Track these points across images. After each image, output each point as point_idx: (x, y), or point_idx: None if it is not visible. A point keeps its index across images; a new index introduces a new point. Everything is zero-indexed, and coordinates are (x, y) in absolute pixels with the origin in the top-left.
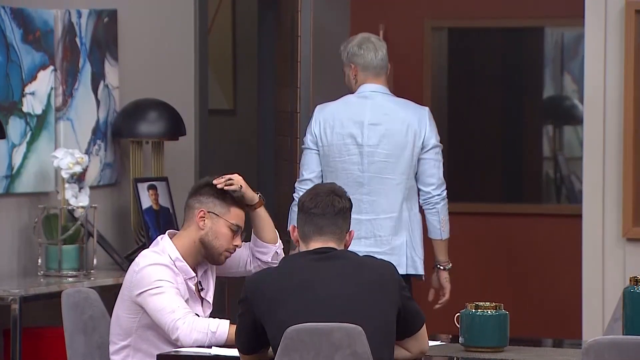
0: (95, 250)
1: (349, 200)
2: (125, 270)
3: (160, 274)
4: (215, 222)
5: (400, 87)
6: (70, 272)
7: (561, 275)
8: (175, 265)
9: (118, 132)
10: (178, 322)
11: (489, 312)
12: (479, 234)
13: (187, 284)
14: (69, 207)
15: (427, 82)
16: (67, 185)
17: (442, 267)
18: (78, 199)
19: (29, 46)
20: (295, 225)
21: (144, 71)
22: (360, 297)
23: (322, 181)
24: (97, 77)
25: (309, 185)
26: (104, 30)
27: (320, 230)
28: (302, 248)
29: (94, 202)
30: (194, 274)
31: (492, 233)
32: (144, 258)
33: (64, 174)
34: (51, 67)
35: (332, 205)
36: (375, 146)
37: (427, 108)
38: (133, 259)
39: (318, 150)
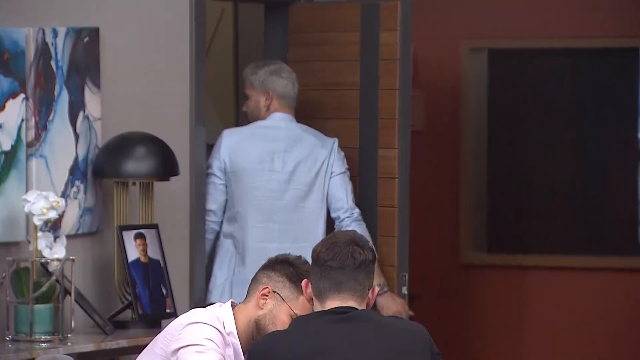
0: (73, 310)
1: (372, 251)
2: (108, 333)
3: (211, 335)
4: (277, 306)
5: (433, 119)
6: (43, 337)
7: None
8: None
9: (100, 171)
10: None
11: None
12: (544, 290)
13: None
14: (42, 260)
15: (464, 113)
16: (40, 233)
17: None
18: (53, 250)
19: None
20: (309, 281)
21: (131, 100)
22: None
23: (224, 212)
24: (76, 106)
25: (212, 217)
26: (84, 52)
27: (339, 287)
28: (317, 307)
29: (72, 253)
30: (242, 358)
31: (565, 289)
32: (197, 314)
33: (37, 221)
34: (22, 95)
35: (352, 257)
36: (291, 173)
37: (335, 138)
38: (117, 321)
39: (223, 179)
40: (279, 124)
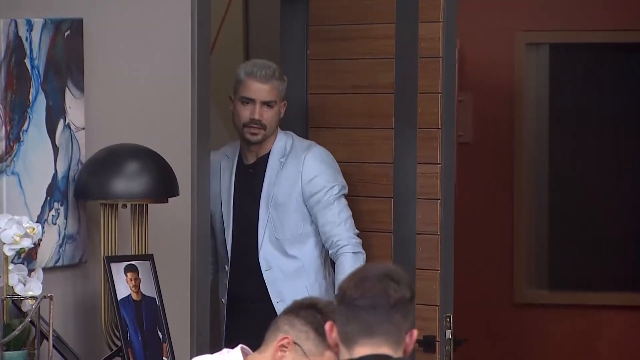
0: (51, 357)
1: (410, 287)
2: None
3: None
4: None
5: (483, 128)
6: None
7: None
8: None
9: (84, 191)
10: None
11: None
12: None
13: None
14: (15, 298)
15: (520, 121)
16: (11, 266)
17: None
18: (27, 286)
19: None
20: (334, 323)
21: (121, 106)
22: None
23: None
24: (55, 114)
25: None
26: (64, 49)
27: (370, 330)
28: (344, 355)
29: (50, 290)
30: None
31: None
32: None
33: (8, 251)
34: None
35: (387, 295)
36: None
37: None
38: None
39: None
40: None
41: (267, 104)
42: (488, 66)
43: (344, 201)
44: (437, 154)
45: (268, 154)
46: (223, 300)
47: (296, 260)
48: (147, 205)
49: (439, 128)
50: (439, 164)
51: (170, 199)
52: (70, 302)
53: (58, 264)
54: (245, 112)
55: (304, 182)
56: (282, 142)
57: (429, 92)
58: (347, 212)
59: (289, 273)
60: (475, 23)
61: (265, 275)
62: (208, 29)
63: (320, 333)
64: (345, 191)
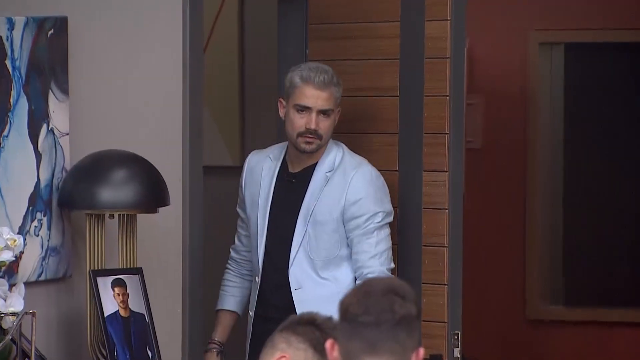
0: None
1: (416, 302)
2: None
3: None
4: None
5: (494, 133)
6: None
7: None
8: None
9: (68, 200)
10: None
11: None
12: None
13: None
14: None
15: (534, 119)
16: None
17: None
18: (8, 302)
19: None
20: (335, 340)
21: (108, 110)
22: None
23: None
24: (38, 118)
25: None
26: (48, 49)
27: (373, 349)
28: None
29: (32, 305)
30: None
31: None
32: None
33: None
34: None
35: (391, 311)
36: None
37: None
38: None
39: None
40: None
41: (324, 112)
42: (499, 67)
43: (385, 231)
44: (445, 160)
45: (315, 165)
46: (251, 313)
47: (329, 284)
48: (135, 215)
49: (446, 133)
50: (447, 171)
51: (160, 209)
52: (53, 319)
53: (41, 278)
54: (300, 121)
55: (347, 202)
56: (332, 154)
57: (436, 95)
58: (385, 244)
59: (320, 296)
60: (485, 21)
61: (295, 294)
62: (201, 27)
63: (320, 351)
64: (390, 219)
